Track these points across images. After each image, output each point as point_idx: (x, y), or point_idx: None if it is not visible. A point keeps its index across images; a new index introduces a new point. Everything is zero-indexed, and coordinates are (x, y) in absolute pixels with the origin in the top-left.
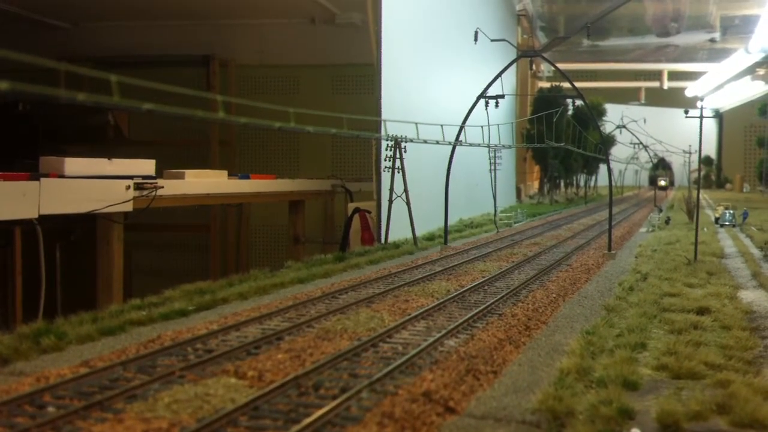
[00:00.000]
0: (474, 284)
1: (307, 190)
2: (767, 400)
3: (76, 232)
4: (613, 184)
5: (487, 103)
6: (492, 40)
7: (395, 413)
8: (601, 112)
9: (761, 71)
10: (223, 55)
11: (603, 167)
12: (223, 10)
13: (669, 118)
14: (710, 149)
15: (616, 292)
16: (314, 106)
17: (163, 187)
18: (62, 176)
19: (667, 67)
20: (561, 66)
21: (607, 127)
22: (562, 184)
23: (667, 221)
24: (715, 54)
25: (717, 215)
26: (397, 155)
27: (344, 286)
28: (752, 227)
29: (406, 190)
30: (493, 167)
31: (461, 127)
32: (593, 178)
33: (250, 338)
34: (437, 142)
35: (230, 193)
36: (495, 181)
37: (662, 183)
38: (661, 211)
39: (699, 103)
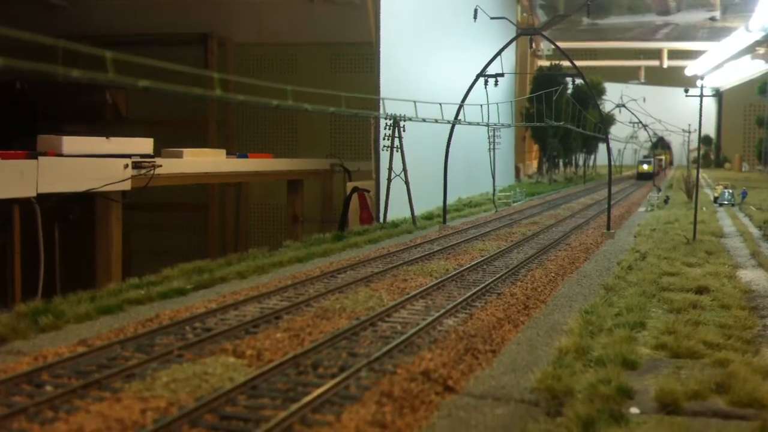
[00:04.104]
0: (473, 263)
1: (305, 170)
2: (766, 380)
3: (74, 212)
4: (613, 163)
5: (486, 82)
6: (491, 18)
7: (394, 392)
8: (601, 91)
9: (761, 50)
10: (221, 34)
11: (602, 146)
12: None
13: (668, 97)
14: (709, 128)
15: (615, 271)
16: (312, 85)
17: (161, 165)
18: (60, 155)
19: (666, 45)
20: (561, 44)
21: (607, 106)
22: (561, 163)
23: (666, 200)
24: (715, 33)
25: (716, 194)
26: (396, 134)
27: (343, 266)
28: (751, 206)
29: (404, 170)
30: (492, 146)
31: (460, 106)
32: (592, 157)
33: (248, 317)
34: (436, 121)
35: (229, 172)
36: (494, 161)
37: (645, 167)
38: (660, 190)
39: (699, 82)
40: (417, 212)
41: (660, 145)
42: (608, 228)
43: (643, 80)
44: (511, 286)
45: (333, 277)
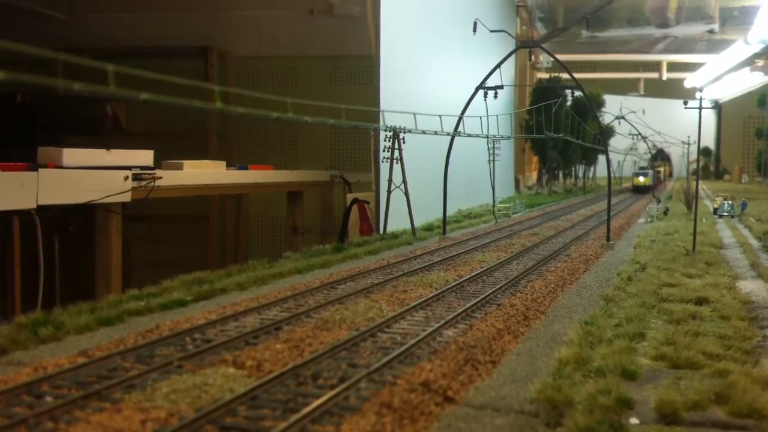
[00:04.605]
0: (472, 274)
1: (305, 181)
2: (766, 390)
3: (74, 223)
4: (612, 175)
5: (486, 94)
6: (491, 31)
7: (394, 403)
8: (600, 103)
9: (760, 62)
10: (222, 47)
11: (601, 158)
12: (222, 1)
13: (668, 109)
14: (709, 140)
15: (615, 282)
16: (313, 98)
17: (161, 177)
18: (60, 167)
19: (666, 58)
20: (560, 57)
21: (606, 118)
22: (561, 174)
23: (666, 212)
24: (714, 45)
25: (715, 206)
26: (396, 146)
27: (343, 277)
28: (750, 218)
29: (404, 181)
30: (491, 158)
31: (460, 118)
32: (592, 168)
33: (248, 328)
34: (436, 133)
35: (229, 183)
36: (494, 172)
37: (641, 180)
38: (659, 201)
39: (698, 94)
40: (417, 223)
41: (660, 156)
42: (608, 239)
43: (642, 92)
44: (511, 297)
45: (333, 288)
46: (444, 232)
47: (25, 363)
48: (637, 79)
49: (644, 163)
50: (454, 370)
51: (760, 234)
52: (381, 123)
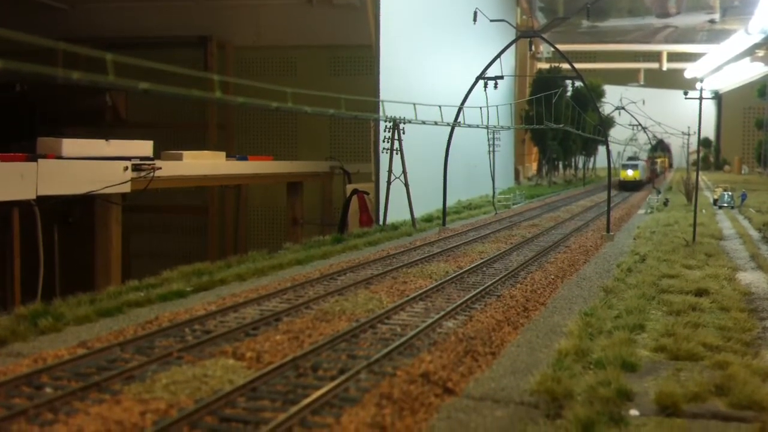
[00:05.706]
0: (472, 266)
1: (305, 172)
2: (765, 382)
3: (74, 214)
4: (612, 165)
5: (486, 84)
6: (491, 21)
7: (393, 394)
8: (600, 94)
9: (760, 53)
10: (221, 37)
11: (601, 149)
12: None
13: (668, 99)
14: (709, 131)
15: (615, 273)
16: (312, 88)
17: (161, 168)
18: (60, 157)
19: (666, 48)
20: (560, 47)
21: (606, 109)
22: (561, 165)
23: (666, 203)
24: (714, 35)
25: (715, 197)
26: (396, 136)
27: (342, 268)
28: (750, 209)
29: (404, 172)
30: (491, 149)
31: (460, 108)
32: (591, 159)
33: (248, 319)
34: (436, 123)
35: (228, 174)
36: (493, 163)
37: (630, 173)
38: (659, 193)
39: (698, 85)
40: (416, 214)
41: (659, 147)
42: (608, 230)
43: (642, 83)
44: (511, 288)
45: (332, 280)
46: (444, 223)
47: (25, 354)
48: (638, 70)
49: (642, 153)
50: (453, 361)
51: (759, 225)
52: (381, 113)
